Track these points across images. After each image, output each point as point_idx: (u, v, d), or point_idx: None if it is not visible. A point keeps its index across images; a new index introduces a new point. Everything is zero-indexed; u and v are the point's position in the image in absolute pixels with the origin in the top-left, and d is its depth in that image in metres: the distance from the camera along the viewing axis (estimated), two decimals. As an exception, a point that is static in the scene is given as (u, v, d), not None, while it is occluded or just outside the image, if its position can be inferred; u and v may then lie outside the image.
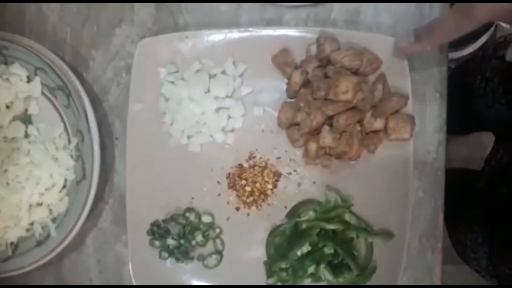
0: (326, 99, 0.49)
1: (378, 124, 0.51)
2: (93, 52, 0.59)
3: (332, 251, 0.51)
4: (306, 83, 0.52)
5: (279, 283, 0.53)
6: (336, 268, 0.52)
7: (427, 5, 0.55)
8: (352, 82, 0.47)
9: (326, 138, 0.50)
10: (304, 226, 0.52)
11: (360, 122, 0.51)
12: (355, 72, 0.50)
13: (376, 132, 0.51)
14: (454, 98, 0.57)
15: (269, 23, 0.56)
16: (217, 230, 0.55)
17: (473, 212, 0.70)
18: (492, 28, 1.10)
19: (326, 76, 0.50)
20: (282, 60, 0.52)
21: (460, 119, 0.75)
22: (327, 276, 0.51)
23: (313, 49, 0.52)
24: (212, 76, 0.54)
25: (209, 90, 0.54)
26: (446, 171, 0.56)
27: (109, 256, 0.59)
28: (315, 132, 0.52)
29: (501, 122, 0.69)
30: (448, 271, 0.56)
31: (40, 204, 0.57)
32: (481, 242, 0.67)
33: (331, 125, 0.51)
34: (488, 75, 0.68)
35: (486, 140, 1.24)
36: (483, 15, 0.39)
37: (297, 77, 0.51)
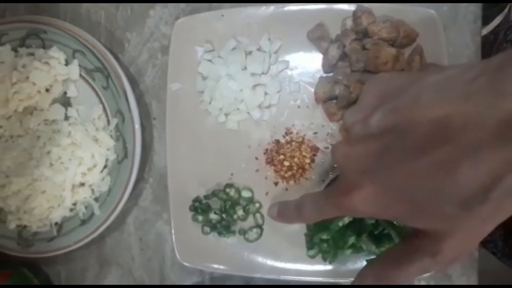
0: (364, 71, 0.49)
1: (415, 95, 0.51)
2: (128, 34, 0.60)
3: (373, 221, 0.52)
4: (343, 57, 0.52)
5: (319, 254, 0.54)
6: (377, 238, 0.53)
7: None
8: (391, 53, 0.48)
9: (365, 110, 0.51)
10: (343, 198, 0.53)
11: (397, 94, 0.52)
12: (392, 44, 0.51)
13: (413, 103, 0.52)
14: None
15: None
16: (257, 205, 0.56)
17: None
18: (506, 10, 1.07)
19: (364, 49, 0.50)
20: (318, 35, 0.53)
21: None
22: (369, 246, 0.53)
23: (349, 22, 0.52)
24: (248, 53, 0.55)
25: (245, 68, 0.55)
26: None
27: (150, 234, 0.61)
28: (353, 105, 0.53)
29: None
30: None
31: (82, 184, 0.58)
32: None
33: (368, 98, 0.51)
34: None
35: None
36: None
37: (334, 51, 0.52)
